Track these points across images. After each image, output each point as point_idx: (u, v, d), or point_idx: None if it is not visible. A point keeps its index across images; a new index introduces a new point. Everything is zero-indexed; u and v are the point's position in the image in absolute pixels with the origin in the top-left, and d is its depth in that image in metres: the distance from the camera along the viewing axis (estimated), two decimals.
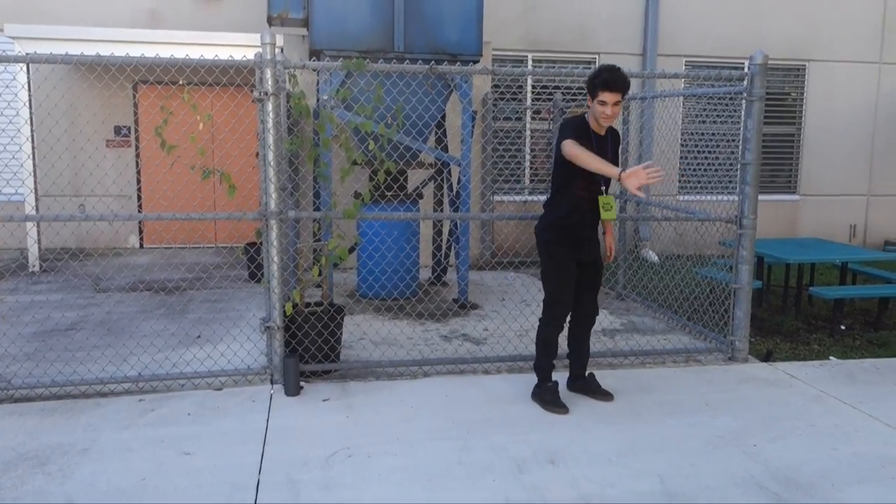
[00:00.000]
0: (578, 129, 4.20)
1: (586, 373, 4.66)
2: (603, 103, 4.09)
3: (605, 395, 4.54)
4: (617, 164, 4.25)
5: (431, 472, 3.57)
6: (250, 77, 9.32)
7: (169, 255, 9.44)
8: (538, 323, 4.48)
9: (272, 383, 4.75)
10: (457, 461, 3.69)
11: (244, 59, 4.57)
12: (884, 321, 6.76)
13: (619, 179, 3.88)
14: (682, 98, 10.04)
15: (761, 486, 3.46)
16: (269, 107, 4.53)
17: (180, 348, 5.43)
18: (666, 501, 3.31)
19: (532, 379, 4.56)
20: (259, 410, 4.32)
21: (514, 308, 6.76)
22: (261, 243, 4.81)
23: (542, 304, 4.46)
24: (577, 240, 4.32)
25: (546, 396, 4.41)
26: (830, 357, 5.69)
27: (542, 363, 4.47)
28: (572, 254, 4.32)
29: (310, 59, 6.36)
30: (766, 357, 5.56)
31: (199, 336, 5.83)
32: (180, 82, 5.03)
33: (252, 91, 4.66)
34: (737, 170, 5.35)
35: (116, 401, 4.42)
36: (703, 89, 5.79)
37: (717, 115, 10.65)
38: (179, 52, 4.67)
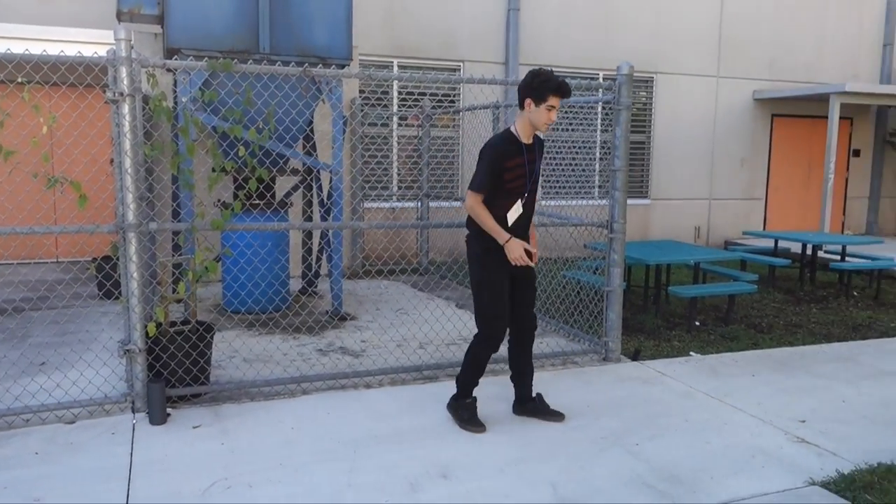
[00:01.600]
0: (507, 145, 4.04)
1: (533, 394, 4.44)
2: (551, 108, 3.99)
3: (556, 416, 4.33)
4: (539, 171, 4.20)
5: (319, 498, 3.37)
6: (102, 76, 8.59)
7: (6, 273, 8.50)
8: (472, 339, 4.21)
9: (135, 412, 4.33)
10: (346, 484, 3.51)
11: (95, 55, 4.14)
12: (732, 316, 7.25)
13: (504, 243, 3.99)
14: None
15: (648, 484, 3.55)
16: (125, 109, 4.13)
17: (23, 378, 4.85)
18: None
19: (420, 389, 4.47)
20: (121, 443, 3.92)
21: (391, 317, 6.64)
22: (117, 258, 4.38)
23: (477, 325, 4.17)
24: None
25: (464, 413, 4.22)
26: (691, 353, 6.00)
27: (467, 379, 4.24)
28: (505, 265, 4.11)
29: (165, 58, 5.91)
30: (635, 356, 5.77)
31: (44, 363, 5.24)
32: (19, 80, 4.49)
33: (105, 92, 4.24)
34: (593, 175, 5.52)
35: None
36: (572, 98, 5.92)
37: (579, 124, 11.07)
38: (18, 48, 4.15)
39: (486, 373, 5.16)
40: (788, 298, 8.41)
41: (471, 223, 4.17)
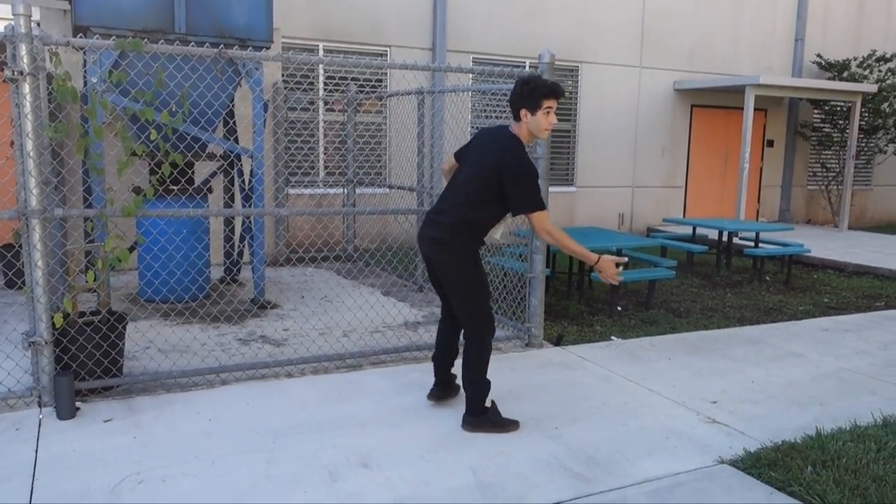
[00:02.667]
0: (531, 163, 3.88)
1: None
2: (549, 111, 3.86)
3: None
4: None
5: (236, 490, 3.29)
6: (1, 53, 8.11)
7: None
8: (475, 350, 3.96)
9: (41, 406, 4.14)
10: (264, 475, 3.44)
11: None
12: (652, 301, 7.46)
13: (594, 264, 3.80)
14: (470, 93, 10.36)
15: (565, 467, 3.61)
16: (26, 88, 3.91)
17: None
18: (479, 493, 3.33)
19: (343, 378, 4.42)
20: (25, 439, 3.74)
21: (314, 305, 6.54)
22: (19, 246, 4.15)
23: (473, 331, 3.96)
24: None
25: (496, 419, 4.01)
26: (612, 337, 6.14)
27: (484, 388, 4.01)
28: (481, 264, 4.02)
29: (74, 36, 5.63)
30: (558, 341, 5.87)
31: None
32: None
33: (3, 70, 3.99)
34: None
35: None
36: (495, 85, 5.95)
37: (501, 111, 11.14)
38: None
39: (407, 360, 5.18)
40: (705, 283, 8.71)
41: (459, 226, 3.91)
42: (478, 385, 4.00)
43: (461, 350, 4.17)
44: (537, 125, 3.90)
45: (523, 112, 3.89)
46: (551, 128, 3.95)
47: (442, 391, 4.40)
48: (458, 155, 4.24)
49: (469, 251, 3.96)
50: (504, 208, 3.95)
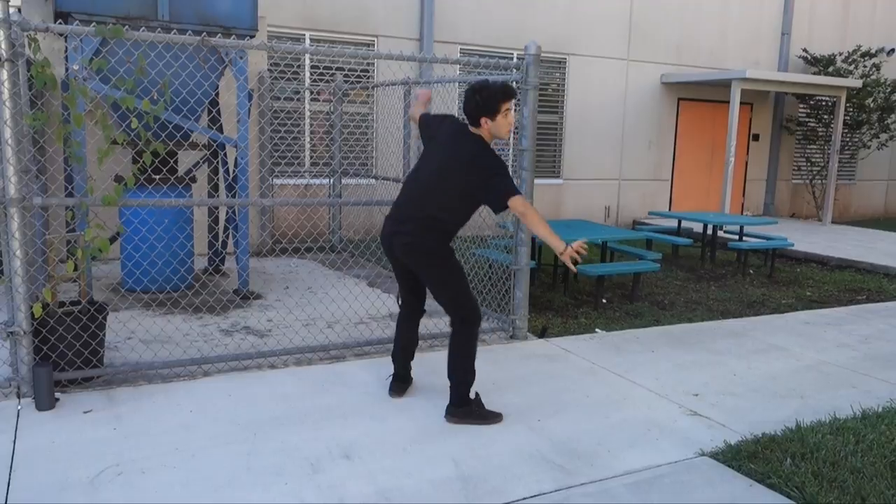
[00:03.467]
0: (500, 157, 3.89)
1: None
2: (507, 111, 3.89)
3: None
4: None
5: (216, 482, 3.28)
6: None
7: None
8: (463, 339, 3.98)
9: (20, 397, 4.10)
10: (245, 467, 3.42)
11: None
12: (637, 293, 7.48)
13: (561, 253, 3.78)
14: (457, 84, 10.32)
15: (547, 459, 3.61)
16: (4, 75, 3.85)
17: None
18: (461, 485, 3.33)
19: (326, 369, 4.40)
20: (3, 430, 3.70)
21: (299, 296, 6.51)
22: None
23: (461, 321, 3.97)
24: None
25: (485, 411, 4.04)
26: (596, 329, 6.16)
27: (470, 378, 4.03)
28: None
29: (55, 22, 5.55)
30: (542, 333, 5.88)
31: None
32: None
33: None
34: (507, 155, 5.56)
35: None
36: (482, 77, 5.91)
37: None
38: None
39: (392, 352, 5.15)
40: (690, 276, 8.75)
41: (434, 223, 3.92)
42: (465, 375, 4.00)
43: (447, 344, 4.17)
44: (499, 129, 3.93)
45: (483, 120, 3.91)
46: (512, 126, 4.01)
47: (404, 384, 4.42)
48: (424, 127, 4.22)
49: (444, 245, 3.96)
50: (470, 208, 3.96)
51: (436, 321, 5.97)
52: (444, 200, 3.92)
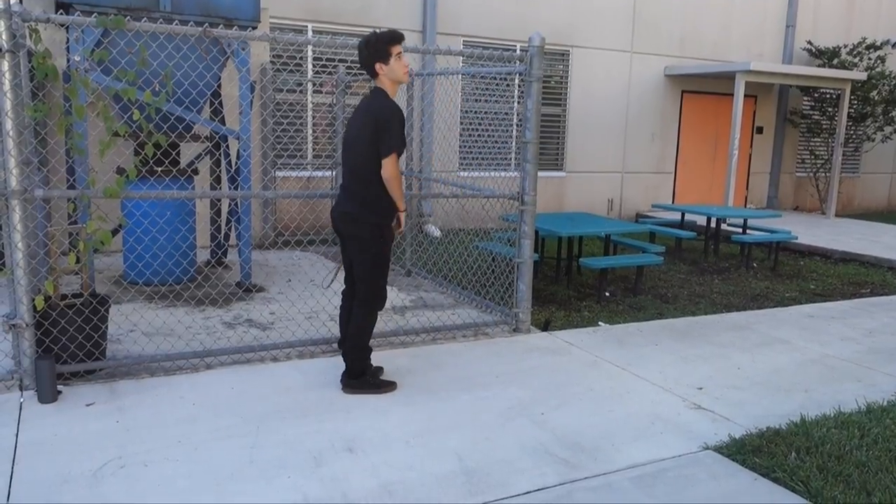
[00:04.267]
0: (399, 108, 4.09)
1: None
2: (399, 55, 4.08)
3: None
4: None
5: (219, 475, 3.27)
6: None
7: None
8: (360, 320, 4.22)
9: (22, 390, 4.09)
10: (248, 460, 3.41)
11: None
12: (640, 287, 7.46)
13: (401, 211, 4.17)
14: (461, 76, 10.28)
15: (551, 452, 3.60)
16: (5, 66, 3.83)
17: None
18: (464, 478, 3.32)
19: (328, 362, 4.40)
20: (6, 423, 3.69)
21: (301, 289, 6.50)
22: None
23: (364, 299, 4.23)
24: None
25: (373, 380, 4.30)
26: (600, 322, 6.14)
27: (366, 355, 4.31)
28: (389, 238, 4.25)
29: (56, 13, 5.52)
30: (545, 326, 5.86)
31: None
32: None
33: None
34: (510, 147, 5.53)
35: None
36: (486, 69, 5.89)
37: (491, 95, 11.07)
38: None
39: (394, 345, 5.16)
40: (693, 269, 8.72)
41: (369, 196, 4.10)
42: (361, 351, 4.25)
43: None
44: (394, 72, 4.10)
45: (378, 66, 4.08)
46: (408, 69, 4.16)
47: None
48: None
49: (373, 225, 4.13)
50: (378, 157, 4.06)
51: (438, 314, 5.96)
52: (361, 151, 4.08)
